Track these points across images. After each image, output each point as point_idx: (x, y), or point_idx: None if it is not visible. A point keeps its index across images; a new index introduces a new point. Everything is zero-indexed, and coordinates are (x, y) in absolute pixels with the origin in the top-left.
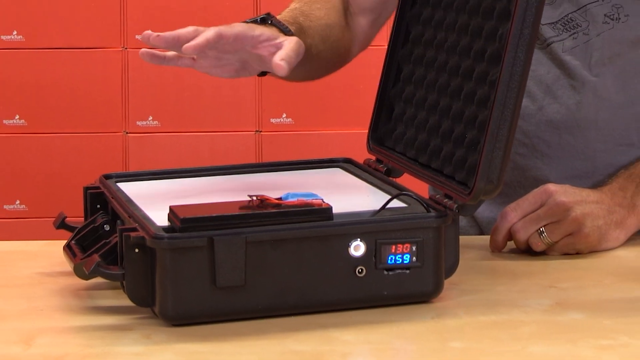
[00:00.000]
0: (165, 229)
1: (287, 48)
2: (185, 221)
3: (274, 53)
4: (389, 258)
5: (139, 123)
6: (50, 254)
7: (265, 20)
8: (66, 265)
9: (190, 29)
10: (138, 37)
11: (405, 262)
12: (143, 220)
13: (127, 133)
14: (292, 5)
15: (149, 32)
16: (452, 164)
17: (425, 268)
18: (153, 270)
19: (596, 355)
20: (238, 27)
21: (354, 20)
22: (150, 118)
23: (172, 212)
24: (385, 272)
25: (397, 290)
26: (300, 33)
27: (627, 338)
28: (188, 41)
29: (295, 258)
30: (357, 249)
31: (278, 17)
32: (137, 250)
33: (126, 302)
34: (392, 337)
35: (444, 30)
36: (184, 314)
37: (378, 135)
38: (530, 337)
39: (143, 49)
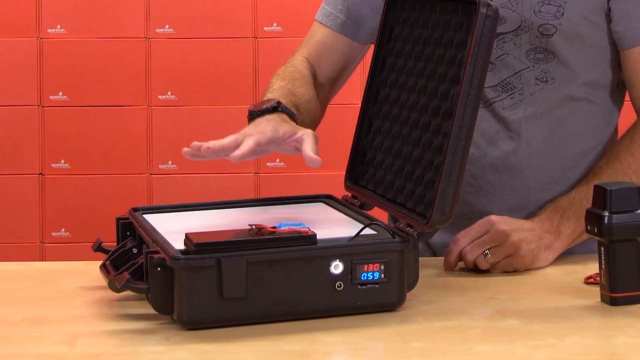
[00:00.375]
0: (181, 251)
1: (310, 143)
2: (198, 245)
3: (295, 147)
4: (362, 275)
5: (160, 166)
6: (89, 272)
7: (277, 108)
8: (102, 281)
9: (231, 138)
10: (161, 97)
11: (375, 278)
12: (164, 245)
13: (151, 174)
14: (279, 84)
15: (197, 143)
16: (413, 199)
17: (391, 283)
18: (172, 285)
19: (529, 354)
20: (268, 133)
21: (320, 89)
22: (170, 162)
23: (187, 238)
24: (359, 287)
25: (368, 301)
26: (298, 113)
27: (554, 340)
28: (231, 149)
29: (287, 275)
30: (337, 267)
31: (270, 92)
32: (159, 268)
33: (150, 310)
34: (364, 339)
35: (406, 91)
36: (196, 320)
37: (353, 176)
38: (475, 339)
39: (185, 149)
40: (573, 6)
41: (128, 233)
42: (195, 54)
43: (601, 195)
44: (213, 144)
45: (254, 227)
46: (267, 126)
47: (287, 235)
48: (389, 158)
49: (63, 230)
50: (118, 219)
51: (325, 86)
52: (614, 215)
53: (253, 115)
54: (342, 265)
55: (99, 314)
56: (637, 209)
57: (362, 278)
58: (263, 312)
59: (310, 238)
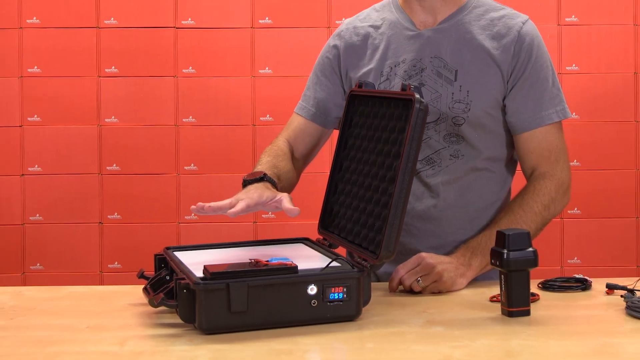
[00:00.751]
0: (201, 278)
1: (287, 201)
2: (212, 274)
3: (275, 206)
4: (330, 295)
5: (186, 217)
6: (135, 293)
7: (263, 178)
8: (144, 299)
9: (226, 201)
10: (186, 167)
11: (340, 297)
12: (188, 274)
13: (179, 223)
14: (266, 159)
15: (201, 204)
16: (367, 241)
17: (351, 301)
18: (194, 302)
19: (450, 352)
20: (255, 197)
21: (296, 162)
22: (193, 214)
23: (205, 269)
24: (328, 303)
25: (335, 313)
26: (279, 181)
27: (468, 341)
28: (227, 209)
29: (276, 295)
30: (312, 290)
31: (259, 165)
32: (185, 290)
33: (178, 320)
34: (332, 340)
35: (362, 163)
36: (211, 328)
37: (324, 224)
38: (411, 341)
39: (193, 207)
40: (477, 104)
41: (162, 265)
42: (210, 137)
43: (502, 238)
44: (213, 204)
45: (252, 260)
46: (255, 192)
47: (276, 266)
48: (350, 211)
49: (116, 262)
50: (156, 255)
51: (300, 160)
52: (511, 253)
53: (245, 184)
54: (316, 288)
55: (141, 323)
56: (527, 248)
57: (330, 297)
58: (259, 322)
59: (293, 269)
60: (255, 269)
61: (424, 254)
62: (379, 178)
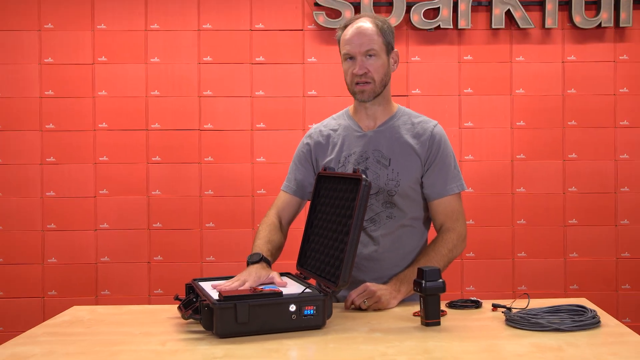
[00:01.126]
0: (217, 300)
1: (277, 276)
2: (225, 297)
3: (270, 282)
4: (305, 311)
5: (207, 259)
6: (172, 310)
7: (260, 260)
8: (178, 314)
9: (235, 283)
10: (207, 225)
11: (311, 313)
12: (208, 297)
13: (202, 263)
14: (262, 234)
15: (219, 286)
16: (330, 274)
17: (319, 315)
18: (212, 316)
19: (385, 349)
20: (254, 277)
21: (283, 228)
22: (212, 257)
23: (220, 293)
24: (303, 317)
25: (308, 324)
26: (272, 258)
27: (398, 342)
28: (238, 287)
29: (267, 311)
30: (292, 308)
31: (258, 240)
32: (206, 308)
33: (201, 328)
34: (306, 342)
35: (326, 222)
36: (224, 333)
37: (300, 263)
38: (359, 342)
39: (212, 284)
40: (404, 182)
41: (191, 291)
42: (223, 204)
43: (421, 272)
44: (227, 286)
45: (252, 288)
46: (255, 274)
47: (268, 292)
48: (317, 254)
49: (159, 289)
50: (186, 284)
51: (286, 225)
52: (427, 282)
53: (248, 263)
54: (295, 306)
55: (176, 330)
56: (438, 279)
57: (305, 313)
58: (256, 330)
59: (279, 294)
60: (253, 294)
61: (368, 284)
62: (337, 232)
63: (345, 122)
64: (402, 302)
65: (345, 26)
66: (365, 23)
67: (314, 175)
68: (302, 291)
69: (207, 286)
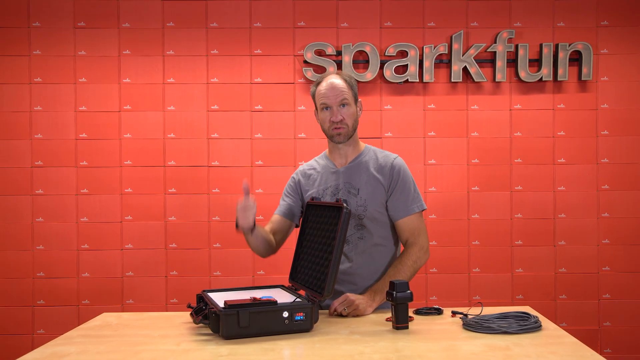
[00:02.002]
0: (223, 307)
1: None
2: (229, 305)
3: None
4: (296, 317)
5: (214, 273)
6: (185, 316)
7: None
8: (191, 319)
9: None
10: (214, 245)
11: (301, 318)
12: (216, 304)
13: (210, 276)
14: (268, 227)
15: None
16: (316, 286)
17: (307, 320)
18: (219, 321)
19: (363, 348)
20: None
21: (276, 244)
22: (218, 272)
23: (225, 302)
24: (294, 322)
25: (298, 328)
26: (261, 230)
27: (373, 343)
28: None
29: (265, 317)
30: (285, 314)
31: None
32: (214, 315)
33: (210, 332)
34: (296, 343)
35: (313, 242)
36: (229, 336)
37: (292, 277)
38: (341, 343)
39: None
40: (370, 207)
41: (201, 300)
42: (228, 228)
43: (392, 285)
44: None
45: (251, 297)
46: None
47: (265, 301)
48: (306, 269)
49: (175, 299)
50: (197, 295)
51: (278, 243)
52: (397, 293)
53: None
54: (287, 313)
55: (189, 333)
56: (407, 291)
57: (296, 318)
58: (255, 332)
59: (274, 302)
60: (253, 302)
61: (348, 294)
62: (323, 251)
63: (323, 162)
64: (377, 310)
65: (318, 83)
66: (336, 79)
67: (300, 204)
68: (294, 300)
69: (214, 296)
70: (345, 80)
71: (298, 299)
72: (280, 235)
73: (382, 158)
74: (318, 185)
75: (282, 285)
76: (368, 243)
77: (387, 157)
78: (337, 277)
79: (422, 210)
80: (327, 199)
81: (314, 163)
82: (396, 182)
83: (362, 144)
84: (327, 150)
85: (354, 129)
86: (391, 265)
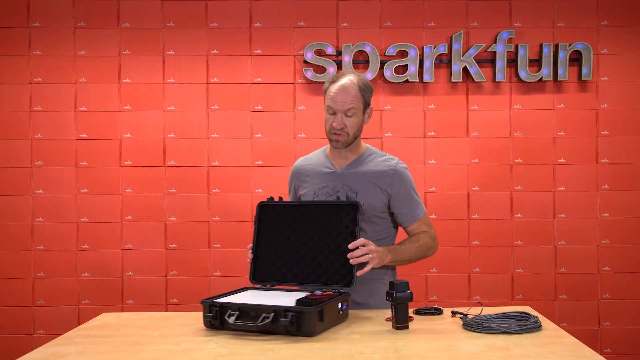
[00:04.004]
0: (308, 305)
1: None
2: (315, 302)
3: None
4: (343, 307)
5: (214, 273)
6: (186, 316)
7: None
8: (192, 320)
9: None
10: (215, 245)
11: (346, 308)
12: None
13: (210, 277)
14: None
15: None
16: (340, 279)
17: (347, 309)
18: (303, 318)
19: (362, 349)
20: None
21: None
22: (218, 272)
23: (300, 300)
24: (342, 310)
25: (345, 316)
26: None
27: (373, 343)
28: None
29: (330, 309)
30: (340, 305)
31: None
32: (295, 313)
33: (210, 333)
34: (297, 343)
35: (312, 241)
36: (311, 333)
37: (266, 277)
38: (342, 343)
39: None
40: (369, 211)
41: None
42: (228, 228)
43: (392, 285)
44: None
45: (323, 292)
46: None
47: (330, 294)
48: (305, 266)
49: (174, 299)
50: (203, 301)
51: None
52: (398, 293)
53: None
54: (341, 304)
55: (188, 333)
56: (407, 291)
57: (343, 308)
58: (329, 326)
59: (332, 295)
60: (327, 299)
61: (366, 240)
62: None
63: (321, 160)
64: (376, 309)
65: (333, 81)
66: (349, 82)
67: (297, 197)
68: (324, 292)
69: (235, 299)
70: (359, 88)
71: (300, 296)
72: None
73: (383, 162)
74: (314, 184)
75: (248, 288)
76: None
77: (388, 162)
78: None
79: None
80: (322, 198)
81: (312, 156)
82: (399, 188)
83: (364, 145)
84: (327, 146)
85: (355, 138)
86: (406, 240)
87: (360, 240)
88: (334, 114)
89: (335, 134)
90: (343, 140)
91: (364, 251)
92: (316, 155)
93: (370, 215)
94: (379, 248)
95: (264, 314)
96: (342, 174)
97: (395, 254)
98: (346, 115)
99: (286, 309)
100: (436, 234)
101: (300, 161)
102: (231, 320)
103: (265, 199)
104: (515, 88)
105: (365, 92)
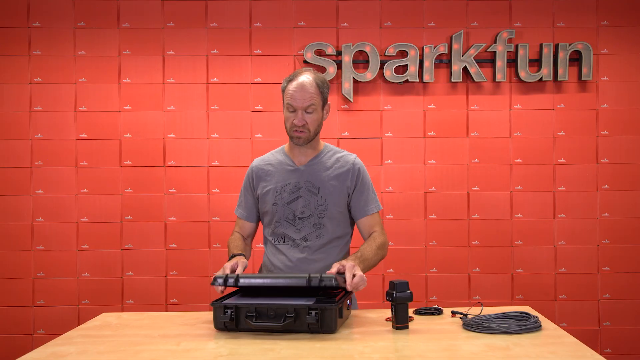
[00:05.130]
0: (333, 302)
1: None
2: (337, 301)
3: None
4: (348, 304)
5: (213, 273)
6: (186, 316)
7: (241, 254)
8: (192, 320)
9: (227, 268)
10: (215, 245)
11: (350, 304)
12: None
13: (209, 276)
14: (235, 243)
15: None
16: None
17: (352, 306)
18: (325, 315)
19: (362, 349)
20: (240, 264)
21: (247, 242)
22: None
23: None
24: (348, 307)
25: (349, 312)
26: (245, 254)
27: (373, 343)
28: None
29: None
30: (348, 302)
31: (235, 249)
32: (319, 310)
33: (211, 332)
34: (297, 343)
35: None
36: (334, 328)
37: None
38: (342, 342)
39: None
40: (331, 207)
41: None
42: (228, 228)
43: (392, 285)
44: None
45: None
46: (241, 261)
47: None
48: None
49: (174, 299)
50: (213, 302)
51: (248, 241)
52: (397, 293)
53: (230, 257)
54: (349, 302)
55: (189, 333)
56: (407, 291)
57: (348, 303)
58: (342, 318)
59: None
60: (342, 297)
61: (349, 265)
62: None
63: (280, 158)
64: (376, 309)
65: (290, 80)
66: (307, 80)
67: (256, 201)
68: (339, 289)
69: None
70: (317, 84)
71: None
72: (252, 236)
73: (342, 158)
74: (276, 182)
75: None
76: (325, 240)
77: (346, 157)
78: (294, 266)
79: (379, 210)
80: (286, 195)
81: (270, 157)
82: (355, 182)
83: (322, 143)
84: (286, 145)
85: (316, 134)
86: (363, 245)
87: (348, 268)
88: (294, 111)
89: (297, 131)
90: (305, 137)
91: (357, 279)
92: (274, 155)
93: (332, 210)
94: (354, 264)
95: (285, 314)
96: (304, 171)
97: (363, 263)
98: (306, 112)
99: (309, 307)
100: (386, 238)
101: (257, 161)
102: (252, 321)
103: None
104: (515, 88)
105: (323, 88)
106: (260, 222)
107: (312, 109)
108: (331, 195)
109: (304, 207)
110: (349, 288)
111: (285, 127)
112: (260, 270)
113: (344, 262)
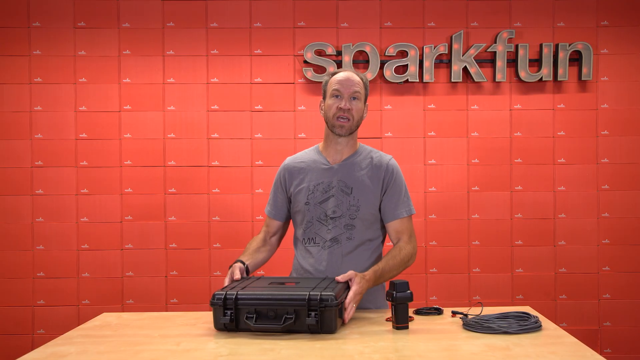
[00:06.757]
0: (336, 302)
1: (238, 273)
2: (339, 302)
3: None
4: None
5: (214, 273)
6: (185, 316)
7: (238, 261)
8: (191, 320)
9: (228, 278)
10: (214, 245)
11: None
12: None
13: (210, 277)
14: (252, 246)
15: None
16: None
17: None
18: (325, 316)
19: (362, 349)
20: (235, 270)
21: (271, 244)
22: (218, 272)
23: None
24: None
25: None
26: (249, 263)
27: (373, 343)
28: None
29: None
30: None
31: (246, 252)
32: (319, 310)
33: (211, 332)
34: (297, 343)
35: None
36: (334, 329)
37: None
38: (342, 342)
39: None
40: (363, 208)
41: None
42: (228, 228)
43: (392, 285)
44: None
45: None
46: (233, 270)
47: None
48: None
49: (174, 299)
50: (212, 303)
51: (275, 242)
52: (398, 293)
53: (232, 263)
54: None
55: (189, 333)
56: (407, 291)
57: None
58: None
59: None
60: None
61: (354, 288)
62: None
63: (314, 157)
64: (377, 310)
65: (335, 73)
66: (353, 73)
67: (287, 199)
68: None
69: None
70: (361, 79)
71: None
72: (277, 235)
73: (377, 158)
74: (309, 181)
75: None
76: (355, 242)
77: (382, 158)
78: (324, 270)
79: (411, 215)
80: (318, 195)
81: (303, 155)
82: (388, 184)
83: (358, 143)
84: (320, 144)
85: (357, 126)
86: (385, 257)
87: (353, 287)
88: (340, 97)
89: (341, 117)
90: (348, 126)
91: (352, 309)
92: (307, 154)
93: (365, 212)
94: (359, 290)
95: (285, 315)
96: (338, 170)
97: (377, 280)
98: (352, 99)
99: (309, 308)
100: (416, 248)
101: (290, 159)
102: (251, 322)
103: (265, 199)
104: (515, 88)
105: (366, 85)
106: (290, 222)
107: (358, 96)
108: (364, 195)
109: (336, 207)
110: (345, 321)
111: (328, 117)
112: (291, 273)
113: (357, 278)
